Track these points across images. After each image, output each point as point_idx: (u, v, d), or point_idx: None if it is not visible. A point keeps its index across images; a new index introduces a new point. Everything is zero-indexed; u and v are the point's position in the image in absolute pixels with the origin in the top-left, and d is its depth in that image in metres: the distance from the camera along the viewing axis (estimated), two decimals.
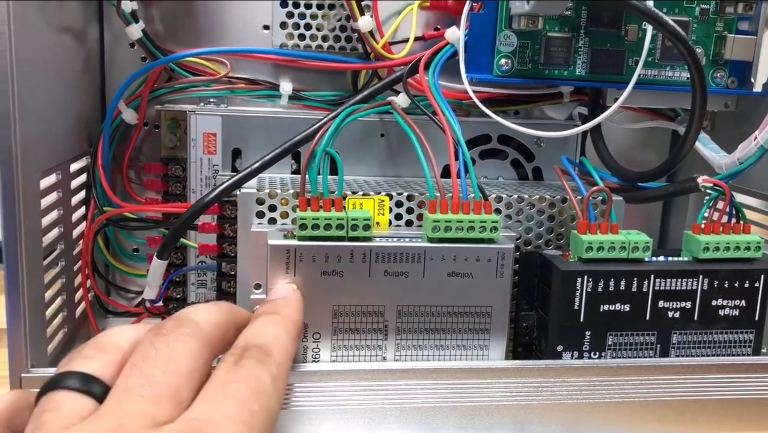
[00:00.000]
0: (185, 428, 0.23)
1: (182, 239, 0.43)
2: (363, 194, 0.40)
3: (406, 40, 0.45)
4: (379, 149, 0.46)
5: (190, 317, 0.28)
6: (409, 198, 0.40)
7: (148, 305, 0.42)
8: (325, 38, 0.45)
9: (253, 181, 0.40)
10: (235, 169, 0.45)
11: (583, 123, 0.47)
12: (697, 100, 0.37)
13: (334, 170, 0.46)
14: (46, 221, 0.37)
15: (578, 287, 0.37)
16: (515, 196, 0.41)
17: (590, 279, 0.37)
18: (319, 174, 0.36)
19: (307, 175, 0.36)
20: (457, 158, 0.38)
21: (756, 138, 0.37)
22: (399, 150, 0.47)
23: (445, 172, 0.45)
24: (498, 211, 0.41)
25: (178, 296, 0.47)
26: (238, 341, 0.29)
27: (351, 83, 0.48)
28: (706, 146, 0.43)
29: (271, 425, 0.26)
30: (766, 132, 0.37)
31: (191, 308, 0.29)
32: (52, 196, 0.39)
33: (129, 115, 0.44)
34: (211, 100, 0.46)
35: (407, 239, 0.37)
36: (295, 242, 0.35)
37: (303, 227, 0.35)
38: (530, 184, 0.46)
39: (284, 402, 0.35)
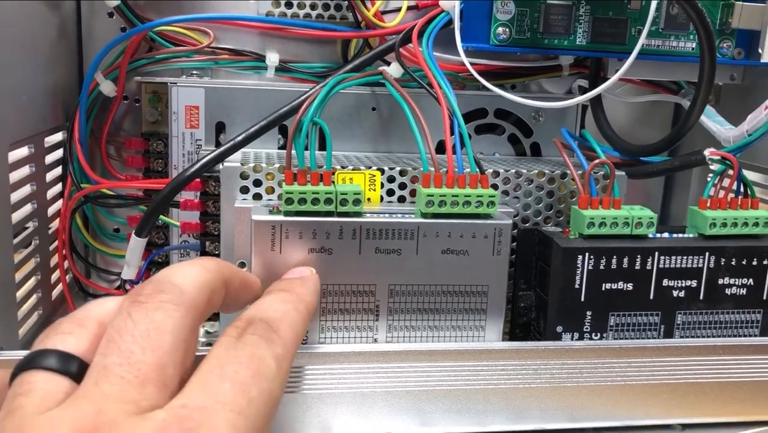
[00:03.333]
0: (173, 416, 0.21)
1: (164, 217, 0.41)
2: (353, 169, 0.38)
3: (399, 9, 0.43)
4: (370, 124, 0.44)
5: (171, 281, 0.24)
6: (402, 173, 0.38)
7: (127, 286, 0.40)
8: (313, 6, 0.43)
9: (237, 156, 0.38)
10: (218, 144, 0.43)
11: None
12: (706, 68, 0.35)
13: (323, 145, 0.44)
14: (16, 196, 0.35)
15: (579, 265, 0.35)
16: (513, 170, 0.39)
17: (592, 256, 0.35)
18: (307, 148, 0.34)
19: (293, 149, 0.34)
20: (453, 132, 0.36)
21: (767, 108, 0.35)
22: (391, 125, 0.45)
23: (440, 149, 0.43)
24: (495, 186, 0.39)
25: None
26: (243, 313, 0.27)
27: (341, 55, 0.46)
28: (711, 119, 0.41)
29: (272, 412, 0.23)
30: None
31: (172, 269, 0.25)
32: (24, 170, 0.37)
33: (107, 87, 0.42)
34: (194, 72, 0.44)
35: (399, 215, 0.35)
36: (281, 218, 0.33)
37: (289, 201, 0.33)
38: (528, 160, 0.44)
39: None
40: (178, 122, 0.42)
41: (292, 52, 0.45)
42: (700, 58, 0.35)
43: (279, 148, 0.44)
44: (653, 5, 0.35)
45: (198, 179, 0.39)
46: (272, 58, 0.43)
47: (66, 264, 0.43)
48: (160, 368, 0.22)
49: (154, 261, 0.45)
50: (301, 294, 0.30)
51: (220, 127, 0.43)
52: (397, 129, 0.45)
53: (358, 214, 0.34)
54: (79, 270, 0.45)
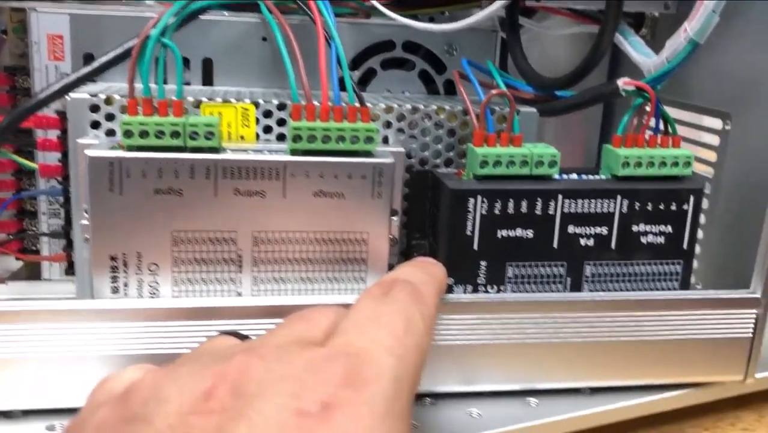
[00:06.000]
0: (339, 351, 0.21)
1: (20, 159, 0.37)
2: (223, 101, 0.33)
3: None
4: (261, 56, 0.39)
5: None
6: (280, 107, 0.34)
7: None
8: None
9: (95, 87, 0.34)
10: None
11: (502, 28, 0.41)
12: None
13: (208, 80, 0.40)
14: None
15: (470, 209, 0.31)
16: (408, 106, 0.34)
17: (485, 199, 0.31)
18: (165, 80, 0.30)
19: (138, 74, 0.29)
20: (339, 61, 0.31)
21: (686, 30, 0.31)
22: None
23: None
24: (389, 124, 0.35)
25: (35, 228, 0.41)
26: (386, 276, 0.27)
27: None
28: (637, 50, 0.37)
29: (422, 367, 0.23)
30: (698, 21, 0.30)
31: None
32: None
33: None
34: None
35: (266, 152, 0.31)
36: (119, 153, 0.29)
37: (128, 134, 0.29)
38: (438, 99, 0.40)
39: (117, 348, 0.29)
40: (40, 54, 0.37)
41: None
42: None
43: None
44: None
45: (56, 115, 0.34)
46: None
47: None
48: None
49: (27, 211, 0.41)
50: (435, 273, 0.28)
51: (89, 59, 0.38)
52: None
53: (214, 150, 0.30)
54: None
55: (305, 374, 0.20)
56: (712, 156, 0.38)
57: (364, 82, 0.41)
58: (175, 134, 0.29)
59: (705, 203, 0.38)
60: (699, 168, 0.39)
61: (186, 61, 0.39)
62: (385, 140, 0.35)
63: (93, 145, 0.30)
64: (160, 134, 0.29)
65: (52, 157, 0.37)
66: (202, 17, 0.34)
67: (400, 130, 0.35)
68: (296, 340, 0.22)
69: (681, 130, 0.40)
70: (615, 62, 0.46)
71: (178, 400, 0.19)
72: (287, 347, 0.21)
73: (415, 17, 0.42)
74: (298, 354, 0.21)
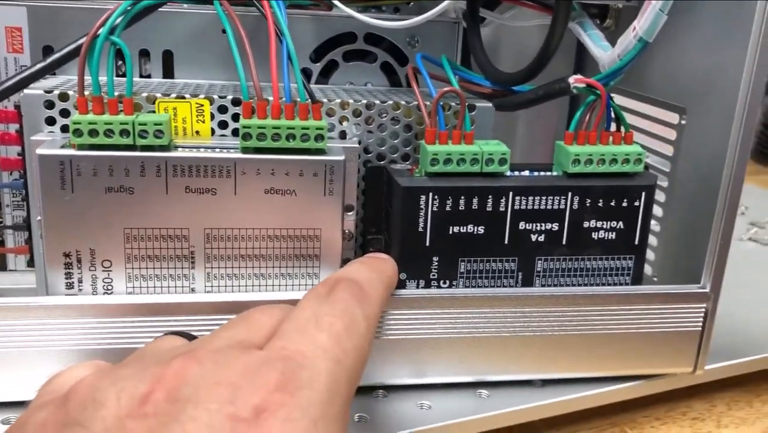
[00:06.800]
0: (275, 356, 0.21)
1: None
2: (177, 97, 0.33)
3: None
4: (221, 48, 0.39)
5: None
6: (235, 102, 0.34)
7: None
8: None
9: (51, 82, 0.34)
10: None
11: (464, 19, 0.41)
12: None
13: (168, 72, 0.40)
14: None
15: (422, 206, 0.32)
16: (363, 101, 0.35)
17: (436, 196, 0.31)
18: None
19: (88, 72, 0.30)
20: (290, 58, 0.31)
21: (635, 29, 0.31)
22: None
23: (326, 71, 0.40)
24: (345, 119, 0.35)
25: (1, 220, 0.41)
26: (331, 275, 0.27)
27: None
28: (596, 44, 0.37)
29: (362, 369, 0.24)
30: (647, 20, 0.31)
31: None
32: None
33: None
34: None
35: (218, 150, 0.31)
36: (69, 152, 0.29)
37: (78, 132, 0.29)
38: (399, 92, 0.40)
39: (72, 343, 0.30)
40: None
41: None
42: None
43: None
44: None
45: (15, 109, 0.35)
46: None
47: None
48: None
49: None
50: (384, 269, 0.29)
51: (48, 52, 0.38)
52: (256, 55, 0.40)
53: (164, 147, 0.30)
54: None
55: (241, 379, 0.20)
56: (669, 150, 0.38)
57: (326, 74, 0.41)
58: (125, 133, 0.29)
59: (662, 196, 0.39)
60: (657, 161, 0.39)
61: (146, 54, 0.39)
62: (343, 135, 0.35)
63: (44, 143, 0.30)
64: (109, 133, 0.29)
65: (13, 151, 0.37)
66: (161, 9, 0.34)
67: (357, 125, 0.35)
68: (236, 343, 0.23)
69: (641, 123, 0.41)
70: (581, 55, 0.46)
71: (115, 404, 0.20)
72: (226, 351, 0.22)
73: (379, 8, 0.42)
74: (236, 358, 0.21)
